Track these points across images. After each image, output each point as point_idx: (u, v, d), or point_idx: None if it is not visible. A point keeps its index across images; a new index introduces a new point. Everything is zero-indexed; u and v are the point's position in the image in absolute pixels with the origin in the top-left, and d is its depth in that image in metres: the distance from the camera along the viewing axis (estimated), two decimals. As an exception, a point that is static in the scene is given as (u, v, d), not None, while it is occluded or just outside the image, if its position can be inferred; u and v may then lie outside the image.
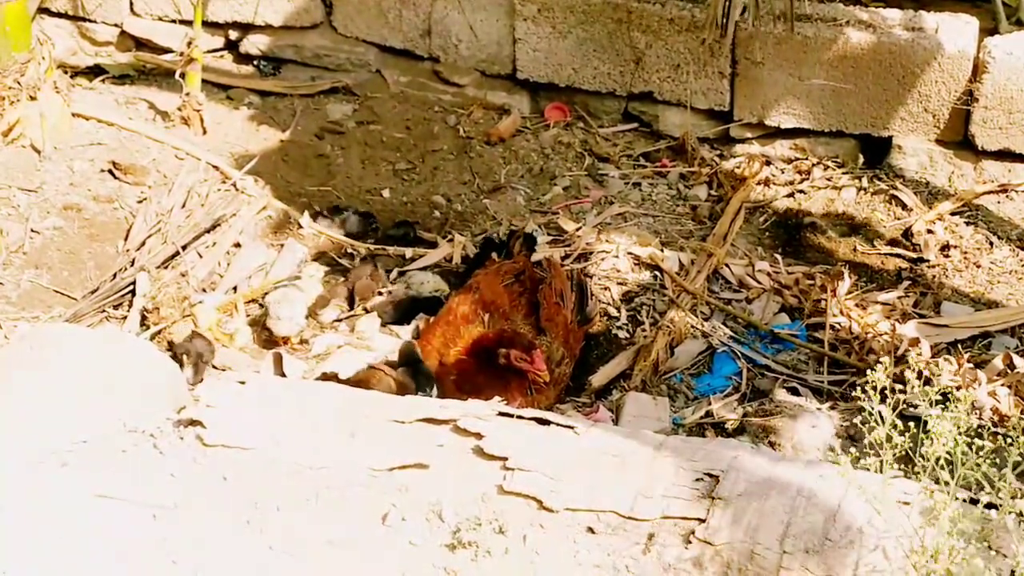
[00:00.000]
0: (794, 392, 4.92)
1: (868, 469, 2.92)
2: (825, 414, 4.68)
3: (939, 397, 2.94)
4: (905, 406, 2.94)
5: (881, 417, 2.92)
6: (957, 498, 2.82)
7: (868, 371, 3.07)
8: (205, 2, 6.56)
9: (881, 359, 3.05)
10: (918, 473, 2.90)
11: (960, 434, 2.81)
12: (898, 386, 2.95)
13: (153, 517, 3.23)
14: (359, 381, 4.76)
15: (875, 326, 5.19)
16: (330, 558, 3.16)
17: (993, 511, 2.84)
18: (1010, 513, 2.78)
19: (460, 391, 4.62)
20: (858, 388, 3.13)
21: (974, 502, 2.91)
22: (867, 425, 2.95)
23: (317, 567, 3.15)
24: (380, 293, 5.45)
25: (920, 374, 2.99)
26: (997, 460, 2.81)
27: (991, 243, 5.78)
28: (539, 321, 4.97)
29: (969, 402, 2.86)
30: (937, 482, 2.87)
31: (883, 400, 2.93)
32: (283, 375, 4.93)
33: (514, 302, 5.03)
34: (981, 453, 2.77)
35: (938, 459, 2.82)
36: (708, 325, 5.24)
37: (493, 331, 4.85)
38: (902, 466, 2.93)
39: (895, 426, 2.90)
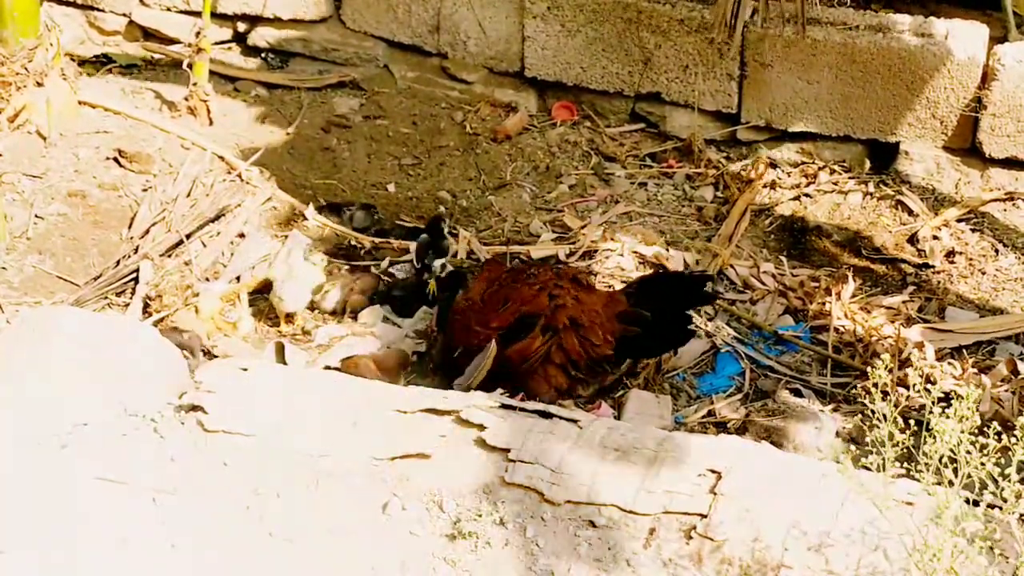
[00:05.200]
0: (797, 394, 4.90)
1: (869, 468, 2.91)
2: (828, 416, 4.67)
3: (941, 395, 2.93)
4: (907, 408, 2.92)
5: (884, 416, 2.90)
6: (959, 496, 2.80)
7: (870, 370, 3.05)
8: (215, -7, 6.57)
9: (882, 357, 3.02)
10: (920, 472, 2.89)
11: (963, 432, 2.79)
12: (901, 390, 2.93)
13: (153, 501, 3.23)
14: (342, 367, 4.77)
15: (879, 329, 5.18)
16: (330, 546, 3.16)
17: (996, 511, 2.83)
18: (1013, 513, 2.77)
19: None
20: (858, 387, 3.12)
21: (976, 504, 2.89)
22: (868, 424, 2.94)
23: (316, 555, 3.14)
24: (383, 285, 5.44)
25: (925, 376, 2.98)
26: (1002, 460, 2.79)
27: (997, 251, 5.76)
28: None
29: (972, 400, 2.84)
30: (940, 483, 2.85)
31: (884, 398, 2.91)
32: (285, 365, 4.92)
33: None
34: (986, 451, 2.75)
35: (941, 457, 2.80)
36: (712, 325, 5.23)
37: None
38: (905, 464, 2.91)
39: (895, 422, 2.89)
